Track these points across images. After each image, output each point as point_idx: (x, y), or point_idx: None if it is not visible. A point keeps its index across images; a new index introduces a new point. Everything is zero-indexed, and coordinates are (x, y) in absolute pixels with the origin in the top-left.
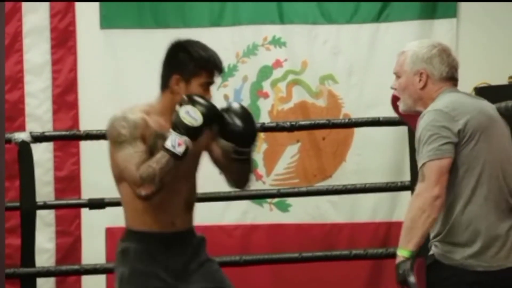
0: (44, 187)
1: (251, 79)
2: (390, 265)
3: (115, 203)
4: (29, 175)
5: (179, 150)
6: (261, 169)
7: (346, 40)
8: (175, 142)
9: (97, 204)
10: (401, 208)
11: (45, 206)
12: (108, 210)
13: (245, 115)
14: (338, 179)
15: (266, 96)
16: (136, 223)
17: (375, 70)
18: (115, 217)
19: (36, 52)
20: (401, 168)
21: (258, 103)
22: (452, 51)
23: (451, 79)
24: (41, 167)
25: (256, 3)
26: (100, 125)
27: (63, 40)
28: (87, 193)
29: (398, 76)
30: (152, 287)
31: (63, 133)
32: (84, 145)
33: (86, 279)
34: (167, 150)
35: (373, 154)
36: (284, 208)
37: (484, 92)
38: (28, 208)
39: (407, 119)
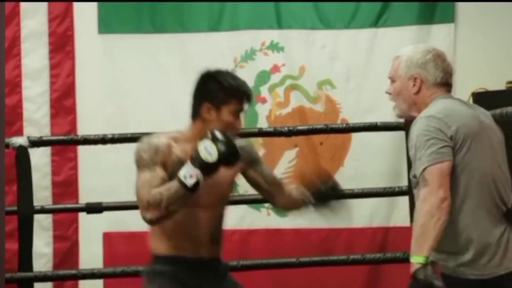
0: (42, 192)
1: (249, 84)
2: (388, 270)
3: (112, 208)
4: (26, 179)
5: (190, 182)
6: None
7: (344, 45)
8: (188, 173)
9: (95, 208)
10: (399, 213)
11: (43, 211)
12: (106, 214)
13: None
14: None
15: (264, 101)
16: (162, 248)
17: (373, 75)
18: (113, 221)
19: (34, 56)
20: (399, 173)
21: (256, 108)
22: (446, 57)
23: (445, 84)
24: (38, 172)
25: (254, 8)
26: (98, 130)
27: (61, 44)
28: (84, 198)
29: (393, 80)
30: None
31: (61, 137)
32: (82, 149)
33: (83, 284)
34: (179, 180)
35: (371, 159)
36: (281, 213)
37: (481, 97)
38: (25, 213)
39: None
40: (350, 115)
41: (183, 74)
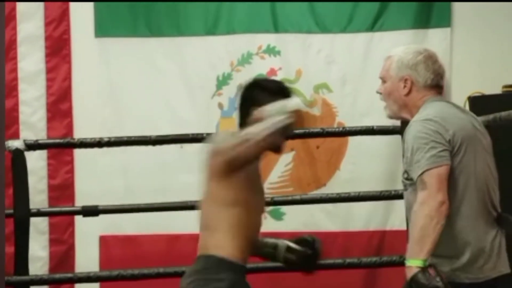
0: (38, 195)
1: None
2: (384, 274)
3: (108, 211)
4: (22, 183)
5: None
6: None
7: (340, 49)
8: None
9: (91, 211)
10: (395, 217)
11: (39, 214)
12: (102, 218)
13: None
14: (332, 188)
15: None
16: (236, 253)
17: (369, 79)
18: (109, 225)
19: (30, 60)
20: (395, 177)
21: None
22: (438, 58)
23: (436, 86)
24: (35, 175)
25: (251, 12)
26: (94, 133)
27: (58, 48)
28: (80, 202)
29: (383, 81)
30: None
31: (57, 141)
32: (78, 153)
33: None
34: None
35: (367, 162)
36: (278, 216)
37: (478, 101)
38: (21, 216)
39: None
40: (347, 119)
41: (180, 78)
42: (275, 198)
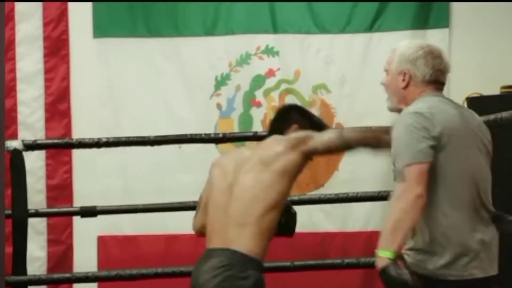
0: (36, 196)
1: (244, 88)
2: None
3: (107, 211)
4: (21, 183)
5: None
6: None
7: (339, 50)
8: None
9: (89, 212)
10: None
11: (37, 214)
12: (100, 218)
13: None
14: (330, 188)
15: (259, 105)
16: (262, 253)
17: (367, 80)
18: (107, 225)
19: (28, 60)
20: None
21: (251, 112)
22: (442, 54)
23: (435, 82)
24: (33, 175)
25: (249, 12)
26: (93, 134)
27: (56, 49)
28: (79, 202)
29: (387, 73)
30: None
31: (56, 141)
32: (77, 153)
33: None
34: None
35: (366, 163)
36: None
37: (476, 102)
38: (19, 216)
39: None
40: (345, 119)
41: (178, 78)
42: None
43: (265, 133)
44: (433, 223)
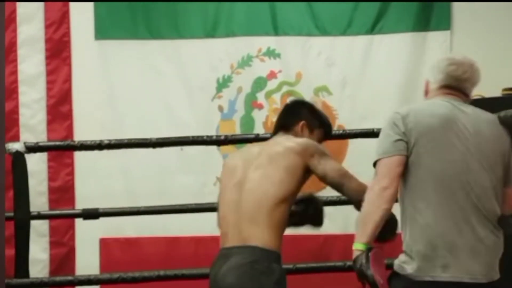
0: (38, 198)
1: (246, 90)
2: None
3: (109, 214)
4: (23, 185)
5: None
6: None
7: (340, 52)
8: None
9: (91, 214)
10: None
11: (39, 216)
12: (102, 221)
13: None
14: (332, 191)
15: (260, 107)
16: (278, 246)
17: (369, 82)
18: (109, 228)
19: (30, 62)
20: None
21: (252, 114)
22: (461, 62)
23: (446, 87)
24: (35, 178)
25: (251, 14)
26: (94, 136)
27: (58, 51)
28: (81, 204)
29: None
30: None
31: (57, 143)
32: (78, 155)
33: None
34: None
35: (367, 165)
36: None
37: (477, 104)
38: (22, 218)
39: None
40: (347, 121)
41: (180, 80)
42: None
43: (266, 135)
44: (410, 222)
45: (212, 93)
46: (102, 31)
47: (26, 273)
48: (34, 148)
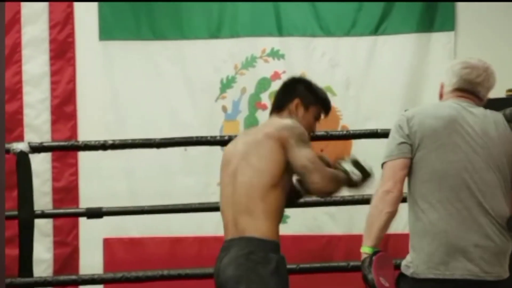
0: (42, 198)
1: (250, 91)
2: None
3: (112, 213)
4: (27, 185)
5: (355, 177)
6: None
7: (344, 53)
8: (352, 170)
9: (95, 213)
10: (399, 220)
11: (43, 215)
12: (106, 221)
13: None
14: None
15: (264, 108)
16: (275, 234)
17: (373, 83)
18: (113, 228)
19: (35, 63)
20: None
21: (256, 115)
22: (474, 66)
23: (459, 90)
24: (39, 178)
25: (254, 15)
26: (98, 136)
27: (62, 51)
28: (84, 204)
29: None
30: None
31: (62, 143)
32: (82, 156)
33: None
34: (347, 172)
35: (371, 166)
36: (282, 219)
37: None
38: (26, 218)
39: None
40: (351, 122)
41: (183, 81)
42: None
43: None
44: (415, 222)
45: (216, 93)
46: (107, 32)
47: (30, 273)
48: (38, 148)
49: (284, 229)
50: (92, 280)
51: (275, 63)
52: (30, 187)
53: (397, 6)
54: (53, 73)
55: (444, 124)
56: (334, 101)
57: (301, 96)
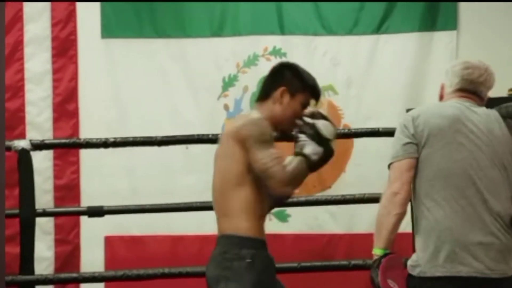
0: (44, 196)
1: (252, 89)
2: None
3: (114, 211)
4: (28, 183)
5: (315, 158)
6: None
7: (346, 52)
8: (314, 151)
9: (96, 212)
10: None
11: (44, 214)
12: (107, 219)
13: None
14: (337, 190)
15: None
16: (251, 230)
17: (374, 82)
18: (114, 226)
19: (37, 61)
20: None
21: None
22: (475, 66)
23: (461, 90)
24: (40, 175)
25: (256, 14)
26: (100, 134)
27: (64, 49)
28: (86, 202)
29: None
30: None
31: (63, 141)
32: (84, 153)
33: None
34: (307, 157)
35: (373, 164)
36: (283, 218)
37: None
38: (27, 216)
39: None
40: (352, 121)
41: (185, 79)
42: None
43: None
44: (420, 221)
45: (217, 92)
46: (109, 30)
47: (31, 270)
48: (39, 146)
49: (285, 228)
50: (93, 278)
51: (277, 61)
52: (31, 185)
53: (399, 5)
54: (55, 71)
55: (449, 123)
56: (335, 100)
57: (287, 84)
